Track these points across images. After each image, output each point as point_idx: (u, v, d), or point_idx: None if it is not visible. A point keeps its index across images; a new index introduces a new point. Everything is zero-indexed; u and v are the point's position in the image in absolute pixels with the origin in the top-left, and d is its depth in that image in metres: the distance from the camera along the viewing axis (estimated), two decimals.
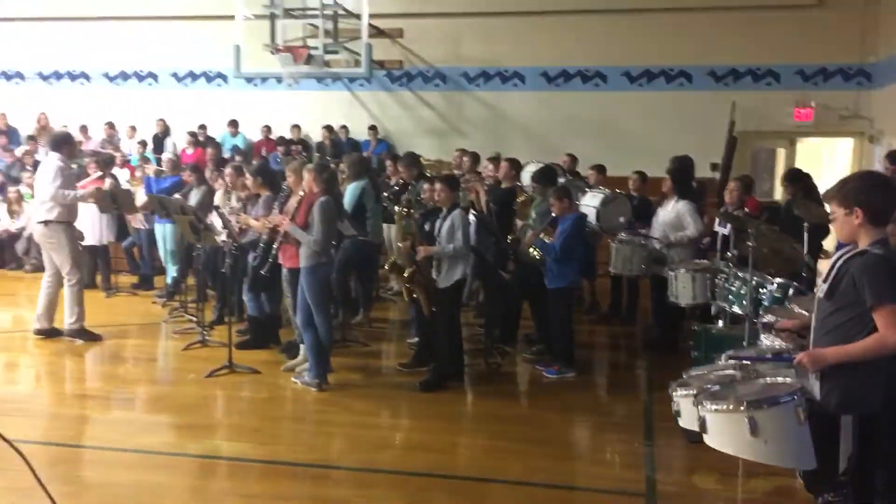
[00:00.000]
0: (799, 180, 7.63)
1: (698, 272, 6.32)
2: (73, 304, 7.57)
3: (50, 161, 7.57)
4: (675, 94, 13.15)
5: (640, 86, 13.34)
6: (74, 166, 8.52)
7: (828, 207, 3.19)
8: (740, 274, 5.67)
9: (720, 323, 5.99)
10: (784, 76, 12.88)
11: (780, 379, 3.19)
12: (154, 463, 4.89)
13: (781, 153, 13.61)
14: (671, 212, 7.35)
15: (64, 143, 7.75)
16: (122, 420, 5.75)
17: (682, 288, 6.34)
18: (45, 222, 7.43)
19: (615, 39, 13.26)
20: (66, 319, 7.58)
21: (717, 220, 6.69)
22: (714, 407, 3.07)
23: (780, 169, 12.99)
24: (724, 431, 3.06)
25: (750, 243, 5.29)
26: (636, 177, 8.69)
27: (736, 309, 5.65)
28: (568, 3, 13.20)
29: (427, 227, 6.54)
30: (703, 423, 3.13)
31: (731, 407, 3.01)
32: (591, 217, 7.75)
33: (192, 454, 4.99)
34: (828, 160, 13.87)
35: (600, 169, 9.34)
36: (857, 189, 3.08)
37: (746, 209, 6.83)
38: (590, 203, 7.93)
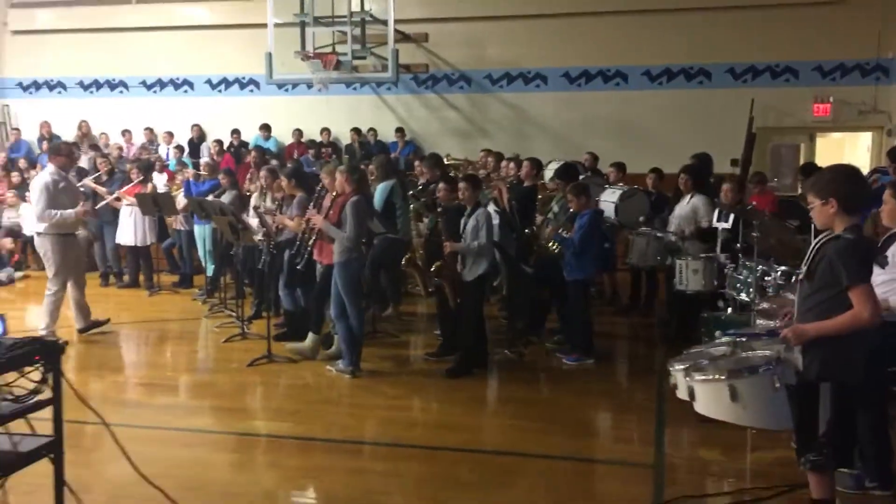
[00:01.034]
0: (813, 174, 7.91)
1: (707, 261, 6.65)
2: (47, 313, 7.63)
3: (42, 175, 7.70)
4: (694, 92, 13.41)
5: (661, 84, 13.62)
6: (87, 174, 8.59)
7: (808, 198, 3.54)
8: (748, 263, 6.00)
9: (729, 310, 6.32)
10: (802, 72, 13.09)
11: (760, 352, 3.54)
12: (203, 440, 5.36)
13: (803, 148, 13.81)
14: (687, 206, 7.69)
15: (60, 154, 7.80)
16: (173, 404, 6.23)
17: (691, 275, 6.68)
18: (38, 233, 7.65)
19: (635, 39, 13.54)
20: (39, 325, 7.66)
21: (715, 215, 6.99)
22: (700, 377, 3.44)
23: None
24: (709, 399, 3.44)
25: (754, 234, 5.62)
26: (653, 174, 9.02)
27: (743, 296, 5.99)
28: (588, 5, 13.51)
29: (442, 221, 6.89)
30: (691, 391, 3.51)
31: (713, 377, 3.38)
32: (610, 212, 8.13)
33: (235, 432, 5.46)
34: (849, 154, 14.04)
35: (620, 166, 9.69)
36: (831, 181, 3.44)
37: (754, 203, 7.14)
38: (609, 199, 8.31)
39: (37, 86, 15.88)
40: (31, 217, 8.25)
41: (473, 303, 6.80)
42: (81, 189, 10.90)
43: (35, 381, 3.01)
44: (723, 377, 3.34)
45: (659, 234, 7.72)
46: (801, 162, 12.68)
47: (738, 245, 6.37)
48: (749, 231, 6.07)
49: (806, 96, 13.02)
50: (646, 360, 7.61)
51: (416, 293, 10.03)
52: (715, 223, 6.90)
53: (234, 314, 8.61)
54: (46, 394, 3.11)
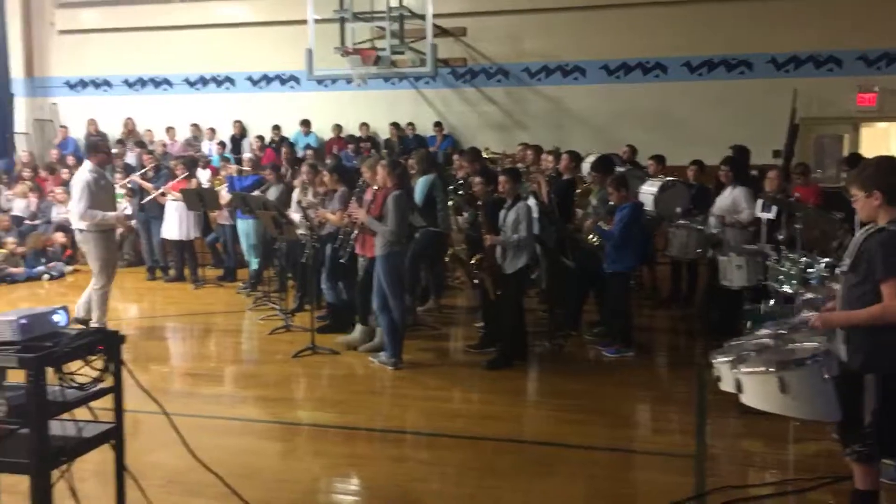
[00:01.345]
0: (858, 165, 7.82)
1: (750, 255, 6.62)
2: (97, 307, 7.79)
3: (82, 174, 7.76)
4: (735, 83, 13.27)
5: (701, 76, 13.51)
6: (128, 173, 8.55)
7: (852, 190, 3.53)
8: (790, 255, 5.97)
9: (771, 302, 6.29)
10: (846, 62, 12.88)
11: (807, 344, 3.56)
12: (250, 429, 5.51)
13: (847, 139, 13.60)
14: (728, 198, 7.66)
15: (96, 151, 7.95)
16: (220, 394, 6.39)
17: (736, 270, 6.65)
18: (80, 230, 7.78)
19: (675, 30, 13.44)
20: (91, 322, 7.74)
21: (760, 206, 6.96)
22: (747, 369, 3.47)
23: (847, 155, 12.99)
24: (757, 391, 3.46)
25: (797, 226, 5.59)
26: (694, 166, 8.97)
27: (786, 288, 5.96)
28: None
29: (480, 215, 6.96)
30: (738, 384, 3.53)
31: (762, 369, 3.41)
32: (649, 204, 8.11)
33: (282, 421, 5.60)
34: (895, 145, 13.78)
35: (659, 159, 9.65)
36: (876, 173, 3.43)
37: (797, 195, 7.09)
38: (648, 191, 8.28)
39: (83, 84, 16.26)
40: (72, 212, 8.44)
41: (513, 295, 6.86)
42: (129, 185, 11.23)
43: (98, 370, 3.14)
44: (772, 369, 3.36)
45: (699, 227, 7.69)
46: (846, 153, 12.49)
47: (781, 236, 6.33)
48: (792, 222, 6.04)
49: (850, 86, 12.82)
50: (686, 352, 7.61)
51: (455, 286, 10.13)
52: (758, 213, 6.86)
53: (277, 307, 8.78)
54: (107, 382, 3.25)
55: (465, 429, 5.41)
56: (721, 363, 3.81)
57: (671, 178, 8.36)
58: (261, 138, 14.06)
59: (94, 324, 7.72)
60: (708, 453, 4.89)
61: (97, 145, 8.27)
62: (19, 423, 2.97)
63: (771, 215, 6.61)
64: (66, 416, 3.11)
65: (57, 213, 12.75)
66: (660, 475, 4.67)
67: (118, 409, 3.28)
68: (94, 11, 15.87)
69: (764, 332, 4.05)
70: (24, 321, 2.96)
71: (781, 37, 12.96)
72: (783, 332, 3.93)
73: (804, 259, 5.77)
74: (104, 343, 3.16)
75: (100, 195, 7.64)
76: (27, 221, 12.57)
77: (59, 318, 3.14)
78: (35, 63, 16.16)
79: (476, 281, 7.03)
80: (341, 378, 6.64)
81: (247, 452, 4.99)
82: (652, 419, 5.85)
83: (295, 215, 8.32)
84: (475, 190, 7.06)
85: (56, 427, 3.05)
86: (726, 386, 3.80)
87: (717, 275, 7.07)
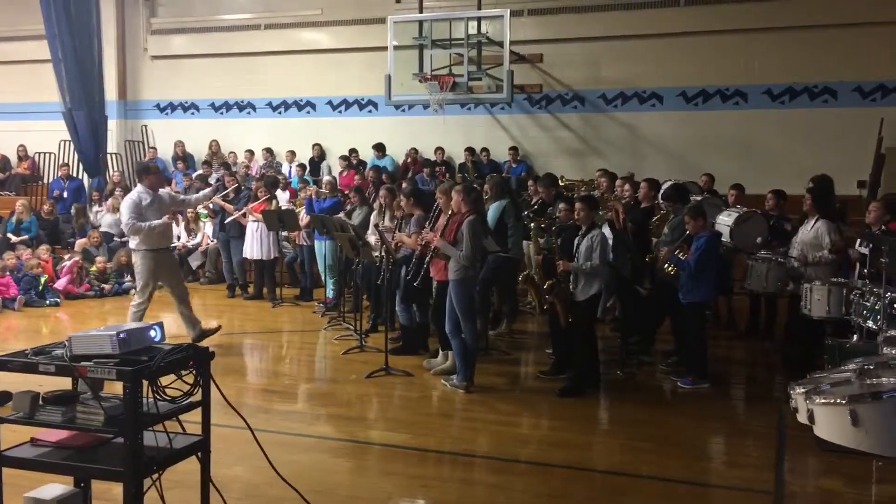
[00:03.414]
0: None
1: (834, 286, 6.46)
2: (130, 320, 7.67)
3: (130, 194, 8.10)
4: (819, 112, 12.96)
5: (783, 104, 13.24)
6: (177, 190, 8.52)
7: None
8: (875, 289, 5.81)
9: (854, 338, 6.11)
10: None
11: (887, 380, 3.48)
12: (325, 447, 5.62)
13: None
14: (811, 231, 7.48)
15: (149, 173, 8.12)
16: (294, 411, 6.54)
17: (817, 301, 6.50)
18: (132, 249, 7.98)
19: (756, 57, 13.25)
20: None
21: (858, 241, 6.79)
22: (820, 400, 3.42)
23: None
24: (829, 422, 3.41)
25: (883, 259, 5.44)
26: (772, 196, 8.80)
27: (870, 324, 5.79)
28: (706, 24, 13.33)
29: (559, 241, 6.99)
30: (811, 415, 3.48)
31: (835, 401, 3.35)
32: (727, 235, 7.99)
33: (354, 440, 5.71)
34: None
35: (739, 188, 9.50)
36: None
37: (884, 227, 6.88)
38: (724, 221, 8.16)
39: (172, 107, 16.93)
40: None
41: (585, 323, 6.84)
42: (210, 206, 11.63)
43: (188, 385, 3.29)
44: (843, 401, 3.30)
45: (780, 259, 7.53)
46: None
47: (866, 270, 6.16)
48: (878, 256, 5.87)
49: None
50: (765, 385, 7.44)
51: (527, 311, 10.13)
52: (859, 248, 6.70)
53: (351, 327, 8.94)
54: (195, 396, 3.40)
55: (536, 455, 5.41)
56: (798, 393, 3.75)
57: (749, 209, 8.21)
58: (345, 158, 14.40)
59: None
60: (786, 491, 4.78)
61: (148, 167, 8.42)
62: (115, 433, 3.14)
63: (866, 250, 6.42)
64: (158, 427, 3.27)
65: None
66: None
67: (206, 423, 3.43)
68: (184, 38, 16.55)
69: (849, 366, 3.96)
70: (122, 335, 3.14)
71: (867, 65, 12.63)
72: (870, 367, 3.84)
73: (890, 294, 5.60)
74: (195, 359, 3.31)
75: (147, 214, 7.76)
76: (116, 238, 13.12)
77: (154, 334, 3.31)
78: (128, 87, 16.93)
79: (546, 307, 7.04)
80: (413, 399, 6.72)
81: (320, 469, 5.10)
82: (727, 453, 5.73)
83: (371, 238, 8.49)
84: (560, 216, 7.06)
85: (149, 437, 3.20)
86: (801, 417, 3.74)
87: (799, 306, 6.91)
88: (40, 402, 3.23)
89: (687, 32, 13.48)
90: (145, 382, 3.12)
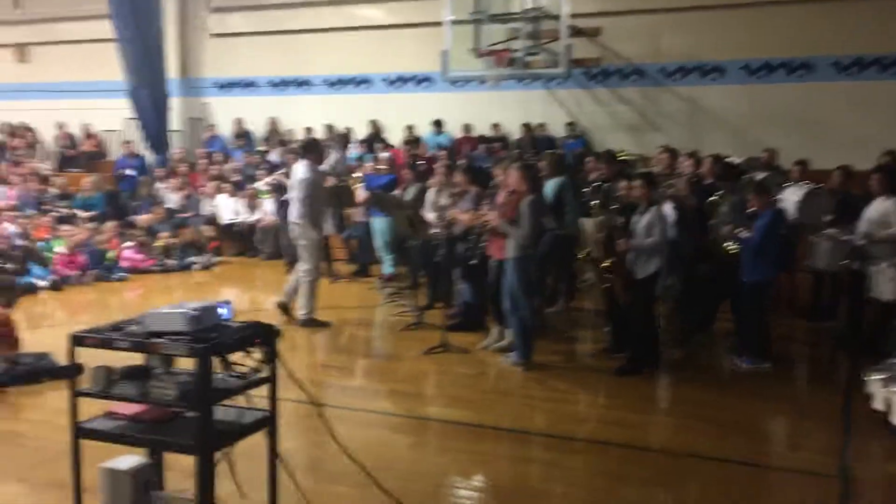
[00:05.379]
0: None
1: None
2: (306, 297, 8.20)
3: (299, 168, 8.24)
4: (889, 84, 12.50)
5: (850, 76, 12.81)
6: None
7: None
8: None
9: None
10: None
11: None
12: (384, 422, 5.71)
13: None
14: (878, 209, 7.26)
15: (311, 150, 8.40)
16: (354, 387, 6.66)
17: (887, 282, 6.33)
18: (295, 223, 8.25)
19: (822, 27, 12.81)
20: (298, 310, 8.31)
21: None
22: None
23: None
24: None
25: None
26: (839, 172, 8.56)
27: None
28: None
29: (623, 220, 6.93)
30: (889, 403, 3.40)
31: None
32: (793, 211, 7.81)
33: (413, 416, 5.80)
34: None
35: (803, 164, 9.27)
36: None
37: None
38: (791, 197, 7.97)
39: (231, 85, 17.16)
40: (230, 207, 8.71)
41: (644, 301, 6.79)
42: (274, 181, 11.81)
43: (257, 360, 3.39)
44: None
45: (845, 238, 7.34)
46: None
47: None
48: None
49: None
50: (828, 367, 7.30)
51: (583, 288, 10.07)
52: None
53: (409, 304, 9.02)
54: (264, 372, 3.49)
55: (593, 433, 5.43)
56: (874, 380, 3.67)
57: (816, 185, 8.00)
58: (410, 133, 14.39)
59: (300, 312, 8.24)
60: (852, 475, 4.70)
61: (314, 144, 8.76)
62: (187, 407, 3.25)
63: None
64: (227, 402, 3.37)
65: (206, 208, 13.58)
66: (798, 494, 4.55)
67: (272, 399, 3.52)
68: (242, 16, 16.72)
69: None
70: (194, 313, 3.23)
71: None
72: None
73: None
74: (262, 336, 3.40)
75: (316, 193, 8.13)
76: (179, 215, 13.43)
77: (224, 312, 3.41)
78: (189, 65, 17.22)
79: (605, 285, 6.99)
80: (471, 377, 6.77)
81: (380, 444, 5.19)
82: (790, 434, 5.67)
83: (429, 215, 8.53)
84: (632, 193, 6.93)
85: (219, 412, 3.31)
86: (878, 404, 3.67)
87: (864, 287, 6.75)
88: (115, 377, 3.35)
89: (749, 3, 13.11)
90: (216, 359, 3.22)
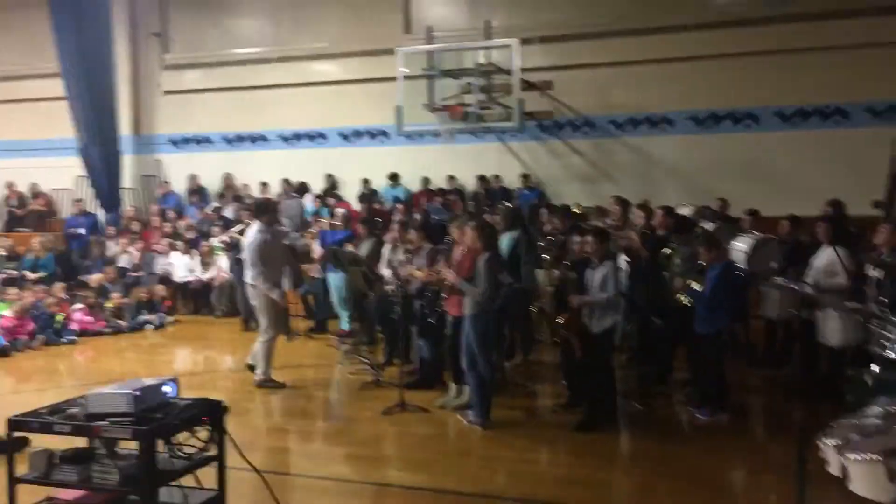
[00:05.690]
0: None
1: (850, 313, 6.39)
2: (262, 358, 8.20)
3: (251, 234, 8.15)
4: (830, 133, 12.95)
5: (794, 125, 13.23)
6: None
7: None
8: (893, 318, 5.74)
9: (875, 368, 6.03)
10: None
11: None
12: (343, 489, 5.57)
13: None
14: (824, 257, 7.41)
15: (263, 211, 8.33)
16: (313, 452, 6.52)
17: (832, 329, 6.43)
18: (250, 284, 8.18)
19: (766, 80, 13.24)
20: (256, 371, 8.26)
21: (868, 264, 6.72)
22: (854, 457, 3.36)
23: None
24: (864, 478, 3.35)
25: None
26: (787, 221, 8.75)
27: (890, 353, 5.72)
28: (715, 47, 13.36)
29: (575, 275, 6.97)
30: (844, 471, 3.42)
31: (871, 458, 3.30)
32: (742, 261, 7.94)
33: (372, 482, 5.66)
34: None
35: (755, 213, 9.47)
36: None
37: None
38: (740, 247, 8.12)
39: (185, 141, 17.06)
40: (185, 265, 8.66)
41: (602, 355, 6.80)
42: (228, 240, 11.69)
43: (204, 440, 3.29)
44: (879, 458, 3.26)
45: (794, 286, 7.47)
46: None
47: (882, 298, 6.10)
48: (890, 277, 5.82)
49: None
50: (784, 416, 7.34)
51: (541, 341, 10.07)
52: (869, 271, 6.63)
53: (367, 361, 8.92)
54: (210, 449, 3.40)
55: (554, 495, 5.35)
56: (829, 447, 3.69)
57: (764, 236, 8.16)
58: (367, 185, 14.36)
59: (258, 374, 8.19)
60: None
61: (267, 205, 8.68)
62: (130, 491, 3.14)
63: (878, 274, 6.36)
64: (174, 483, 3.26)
65: (160, 265, 13.36)
66: None
67: (221, 479, 3.42)
68: (196, 72, 16.71)
69: (874, 409, 3.90)
70: (137, 393, 3.14)
71: (880, 84, 12.59)
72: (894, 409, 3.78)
73: None
74: (209, 413, 3.31)
75: (270, 254, 8.03)
76: (131, 273, 13.20)
77: (168, 390, 3.31)
78: (142, 122, 17.10)
79: (557, 340, 6.99)
80: (430, 437, 6.67)
81: None
82: (748, 488, 5.65)
83: (385, 271, 8.50)
84: (585, 249, 6.96)
85: (164, 494, 3.20)
86: (834, 470, 3.69)
87: (815, 334, 6.85)
88: (56, 461, 3.23)
89: (695, 56, 13.52)
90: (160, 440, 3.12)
